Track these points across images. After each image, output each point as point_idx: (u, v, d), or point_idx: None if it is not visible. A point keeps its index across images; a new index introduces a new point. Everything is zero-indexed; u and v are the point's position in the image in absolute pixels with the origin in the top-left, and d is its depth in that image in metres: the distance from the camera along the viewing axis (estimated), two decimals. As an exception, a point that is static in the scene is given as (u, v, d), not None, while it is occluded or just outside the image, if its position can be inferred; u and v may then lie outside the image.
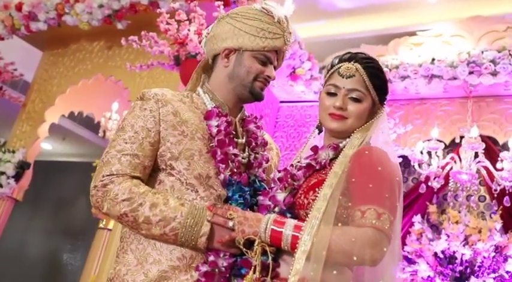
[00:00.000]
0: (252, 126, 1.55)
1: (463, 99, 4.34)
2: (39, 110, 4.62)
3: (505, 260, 3.70)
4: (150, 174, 1.43)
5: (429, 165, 3.85)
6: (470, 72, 3.99)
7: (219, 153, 1.40)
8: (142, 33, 3.32)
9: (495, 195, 3.75)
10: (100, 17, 4.03)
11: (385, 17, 4.86)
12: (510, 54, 3.92)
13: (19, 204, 4.61)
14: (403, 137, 4.34)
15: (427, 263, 3.82)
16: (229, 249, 1.32)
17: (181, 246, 1.33)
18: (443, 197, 4.24)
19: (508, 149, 3.72)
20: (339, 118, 1.42)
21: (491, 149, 4.09)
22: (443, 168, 3.84)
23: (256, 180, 1.46)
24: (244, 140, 1.52)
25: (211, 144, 1.42)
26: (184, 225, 1.30)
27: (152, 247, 1.35)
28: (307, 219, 1.25)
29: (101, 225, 4.71)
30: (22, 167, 4.36)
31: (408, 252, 3.90)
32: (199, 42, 2.81)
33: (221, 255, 1.32)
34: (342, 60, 1.47)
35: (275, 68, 1.55)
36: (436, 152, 3.84)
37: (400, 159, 3.98)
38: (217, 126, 1.44)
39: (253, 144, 1.52)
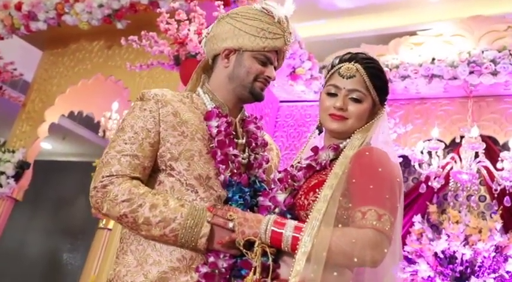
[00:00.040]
0: (252, 127, 1.54)
1: (463, 99, 4.34)
2: (39, 109, 4.62)
3: (506, 260, 3.69)
4: (150, 175, 1.42)
5: (429, 165, 3.84)
6: (471, 72, 3.98)
7: (219, 153, 1.40)
8: (142, 33, 3.32)
9: (495, 195, 3.75)
10: (100, 17, 4.03)
11: (386, 17, 4.85)
12: (510, 53, 3.92)
13: (19, 204, 4.61)
14: (403, 136, 4.34)
15: (427, 263, 3.81)
16: (229, 250, 1.32)
17: (181, 247, 1.33)
18: (444, 196, 4.24)
19: (508, 149, 3.72)
20: (340, 119, 1.41)
21: (492, 148, 4.09)
22: (443, 168, 3.84)
23: (257, 181, 1.45)
24: (244, 141, 1.51)
25: (211, 145, 1.42)
26: (184, 226, 1.30)
27: (152, 248, 1.34)
28: (307, 220, 1.24)
29: (100, 225, 4.71)
30: (22, 166, 4.35)
31: (408, 252, 3.90)
32: (199, 42, 2.81)
33: (221, 256, 1.32)
34: (342, 60, 1.47)
35: (275, 68, 1.54)
36: (436, 152, 3.84)
37: (401, 159, 3.98)
38: (217, 126, 1.43)
39: (253, 144, 1.52)
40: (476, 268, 3.71)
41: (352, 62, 1.44)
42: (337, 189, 1.27)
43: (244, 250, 1.28)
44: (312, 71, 4.44)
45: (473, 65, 3.95)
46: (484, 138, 3.86)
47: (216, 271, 1.31)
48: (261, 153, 1.52)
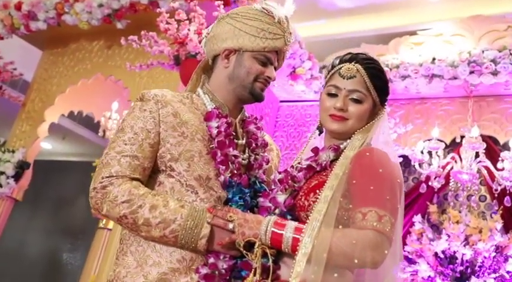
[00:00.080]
0: (252, 127, 1.54)
1: (463, 98, 4.34)
2: (38, 109, 4.62)
3: (506, 260, 3.69)
4: (150, 176, 1.42)
5: (430, 165, 3.84)
6: (471, 72, 3.98)
7: (219, 154, 1.40)
8: (142, 32, 3.31)
9: (496, 195, 3.75)
10: (100, 17, 4.02)
11: (386, 16, 4.85)
12: (511, 53, 3.91)
13: (19, 204, 4.60)
14: (403, 136, 4.33)
15: (428, 263, 3.81)
16: (229, 251, 1.32)
17: (181, 248, 1.32)
18: (444, 196, 4.24)
19: (508, 149, 3.71)
20: (340, 119, 1.41)
21: (492, 148, 4.09)
22: (443, 168, 3.83)
23: (257, 182, 1.45)
24: (244, 141, 1.51)
25: (211, 146, 1.41)
26: (184, 227, 1.29)
27: (152, 249, 1.34)
28: (307, 221, 1.24)
29: (100, 224, 4.70)
30: (22, 166, 4.35)
31: (409, 252, 3.90)
32: (199, 42, 2.80)
33: (221, 257, 1.32)
34: (342, 60, 1.46)
35: (275, 69, 1.54)
36: (436, 152, 3.83)
37: (401, 159, 3.97)
38: (217, 127, 1.43)
39: (254, 145, 1.51)
40: (477, 268, 3.71)
41: (353, 63, 1.43)
42: (337, 190, 1.27)
43: (244, 251, 1.27)
44: (312, 71, 4.43)
45: (474, 64, 3.95)
46: (485, 138, 3.85)
47: (216, 272, 1.30)
48: (261, 153, 1.52)
